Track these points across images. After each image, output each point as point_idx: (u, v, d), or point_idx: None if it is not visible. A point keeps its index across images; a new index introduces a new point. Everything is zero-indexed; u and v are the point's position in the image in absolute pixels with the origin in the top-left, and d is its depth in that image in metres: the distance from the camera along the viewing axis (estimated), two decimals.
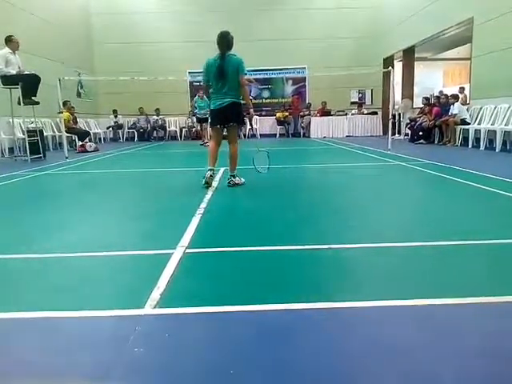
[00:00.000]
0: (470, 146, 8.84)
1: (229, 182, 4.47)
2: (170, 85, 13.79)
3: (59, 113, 8.55)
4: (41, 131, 8.37)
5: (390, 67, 8.98)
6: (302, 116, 15.02)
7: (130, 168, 6.92)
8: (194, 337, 1.47)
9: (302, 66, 14.95)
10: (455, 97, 9.91)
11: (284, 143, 12.23)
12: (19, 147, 8.58)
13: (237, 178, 4.51)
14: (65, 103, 9.97)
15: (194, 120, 12.49)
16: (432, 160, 6.32)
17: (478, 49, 9.14)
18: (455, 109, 9.55)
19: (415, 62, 13.80)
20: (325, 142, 12.05)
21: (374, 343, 1.39)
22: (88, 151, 10.01)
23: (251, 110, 4.72)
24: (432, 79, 18.18)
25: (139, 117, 14.93)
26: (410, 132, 11.45)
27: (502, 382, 1.22)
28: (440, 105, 10.58)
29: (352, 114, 14.72)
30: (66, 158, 7.90)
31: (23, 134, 8.21)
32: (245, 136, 13.67)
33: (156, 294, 1.74)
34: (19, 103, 7.49)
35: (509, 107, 7.92)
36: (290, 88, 15.85)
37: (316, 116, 14.74)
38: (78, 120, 11.79)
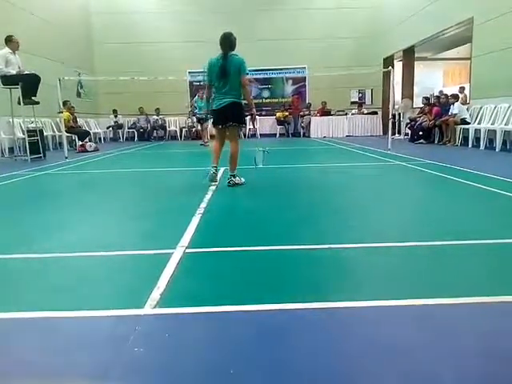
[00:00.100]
0: (470, 146, 8.84)
1: (229, 182, 4.47)
2: (170, 85, 13.78)
3: (59, 113, 8.56)
4: (41, 131, 8.37)
5: (390, 67, 8.98)
6: (302, 116, 15.02)
7: (129, 168, 6.92)
8: (193, 337, 1.47)
9: (302, 65, 14.95)
10: (455, 96, 9.91)
11: (284, 143, 12.23)
12: (19, 147, 8.58)
13: (237, 177, 4.51)
14: (65, 103, 9.97)
15: (194, 120, 12.49)
16: (432, 160, 6.32)
17: (477, 49, 9.14)
18: (455, 108, 9.55)
19: (415, 62, 13.81)
20: (325, 141, 12.05)
21: (371, 343, 1.39)
22: (88, 151, 10.01)
23: (254, 110, 4.72)
24: (432, 79, 18.18)
25: (139, 117, 14.93)
26: (410, 132, 11.45)
27: (500, 381, 1.22)
28: (440, 104, 10.57)
29: (352, 114, 14.72)
30: (66, 157, 7.90)
31: (23, 134, 8.20)
32: (245, 136, 13.67)
33: (156, 294, 1.74)
34: (19, 103, 7.49)
35: (509, 107, 7.92)
36: (290, 88, 15.85)
37: (316, 116, 14.74)
38: (77, 120, 11.79)
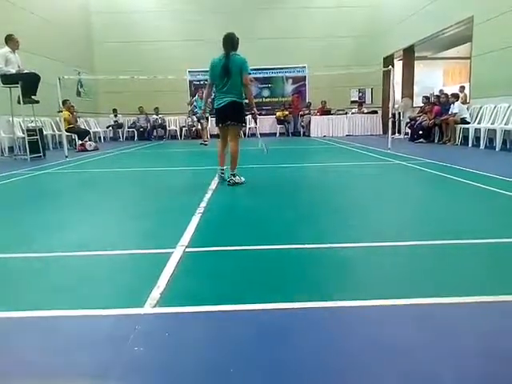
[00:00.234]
0: (469, 145, 8.83)
1: (229, 181, 4.47)
2: (169, 84, 13.78)
3: (59, 112, 8.53)
4: (40, 130, 8.37)
5: (390, 66, 8.98)
6: (302, 115, 15.00)
7: (129, 167, 6.92)
8: (193, 336, 1.47)
9: (302, 64, 14.94)
10: (455, 96, 9.90)
11: (284, 142, 12.23)
12: (19, 146, 8.56)
13: (237, 176, 4.51)
14: (64, 102, 9.94)
15: (195, 119, 12.49)
16: (432, 159, 6.32)
17: (478, 48, 9.13)
18: (455, 108, 9.54)
19: (415, 61, 13.79)
20: (325, 141, 12.05)
21: (373, 342, 1.39)
22: (88, 150, 10.01)
23: (255, 109, 4.74)
24: (432, 78, 18.14)
25: (139, 116, 14.91)
26: (409, 131, 11.44)
27: (500, 381, 1.22)
28: (440, 104, 10.56)
29: (352, 113, 14.70)
30: (66, 157, 7.89)
31: (23, 133, 8.19)
32: (245, 135, 13.65)
33: (156, 293, 1.74)
34: (19, 102, 7.48)
35: (509, 106, 7.91)
36: (290, 87, 15.84)
37: (316, 115, 14.72)
38: (77, 119, 11.78)
